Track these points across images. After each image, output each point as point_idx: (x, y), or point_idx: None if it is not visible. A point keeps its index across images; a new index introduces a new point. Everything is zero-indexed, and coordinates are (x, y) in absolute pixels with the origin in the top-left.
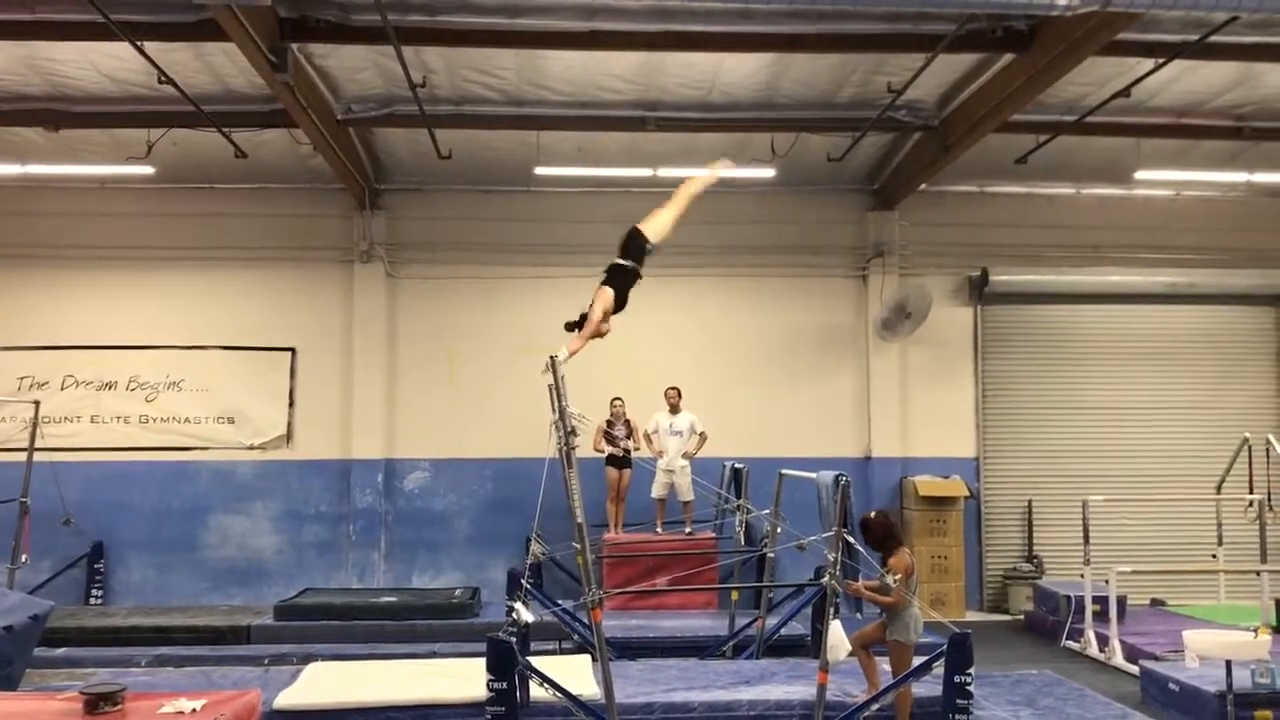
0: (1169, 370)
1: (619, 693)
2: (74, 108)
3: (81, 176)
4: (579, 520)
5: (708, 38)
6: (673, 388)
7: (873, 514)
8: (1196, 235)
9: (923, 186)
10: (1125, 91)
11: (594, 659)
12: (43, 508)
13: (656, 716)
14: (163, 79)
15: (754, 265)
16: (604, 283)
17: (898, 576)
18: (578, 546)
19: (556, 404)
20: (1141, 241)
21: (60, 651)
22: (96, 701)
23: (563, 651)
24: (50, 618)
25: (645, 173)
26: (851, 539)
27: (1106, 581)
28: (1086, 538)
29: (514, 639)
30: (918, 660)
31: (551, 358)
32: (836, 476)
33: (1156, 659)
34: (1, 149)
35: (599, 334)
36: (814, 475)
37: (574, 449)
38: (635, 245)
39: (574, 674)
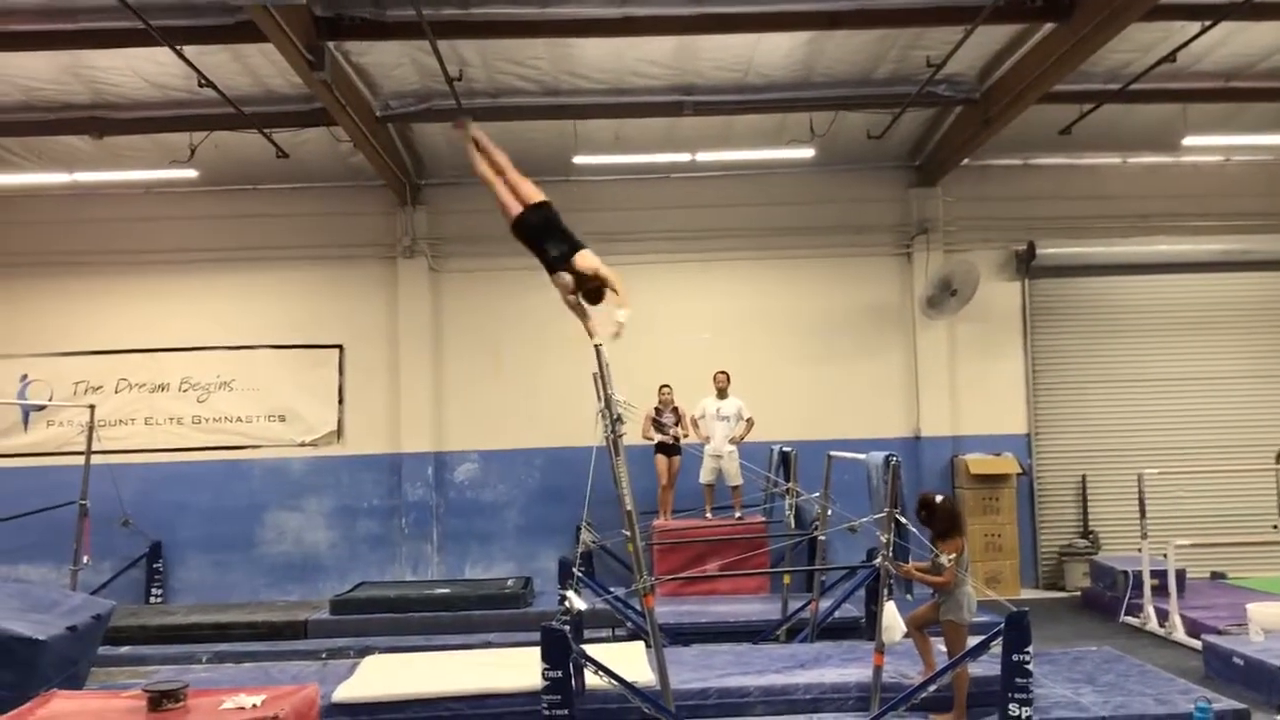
0: (1223, 339)
1: (673, 678)
2: (117, 114)
3: (127, 182)
4: (628, 508)
5: (743, 19)
6: (721, 372)
7: (939, 497)
8: (1248, 201)
9: (965, 161)
10: (1171, 57)
11: (647, 645)
12: (102, 510)
13: (712, 701)
14: (203, 82)
15: (797, 247)
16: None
17: (950, 556)
18: (627, 534)
19: (602, 392)
20: (1191, 209)
21: (123, 650)
22: (160, 699)
23: (616, 639)
24: (113, 617)
25: (684, 158)
26: (903, 519)
27: (1165, 555)
28: (1143, 511)
29: (567, 627)
30: (974, 640)
31: (597, 345)
32: (886, 457)
33: (1219, 633)
34: (49, 158)
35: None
36: (863, 456)
37: (621, 437)
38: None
39: (628, 661)
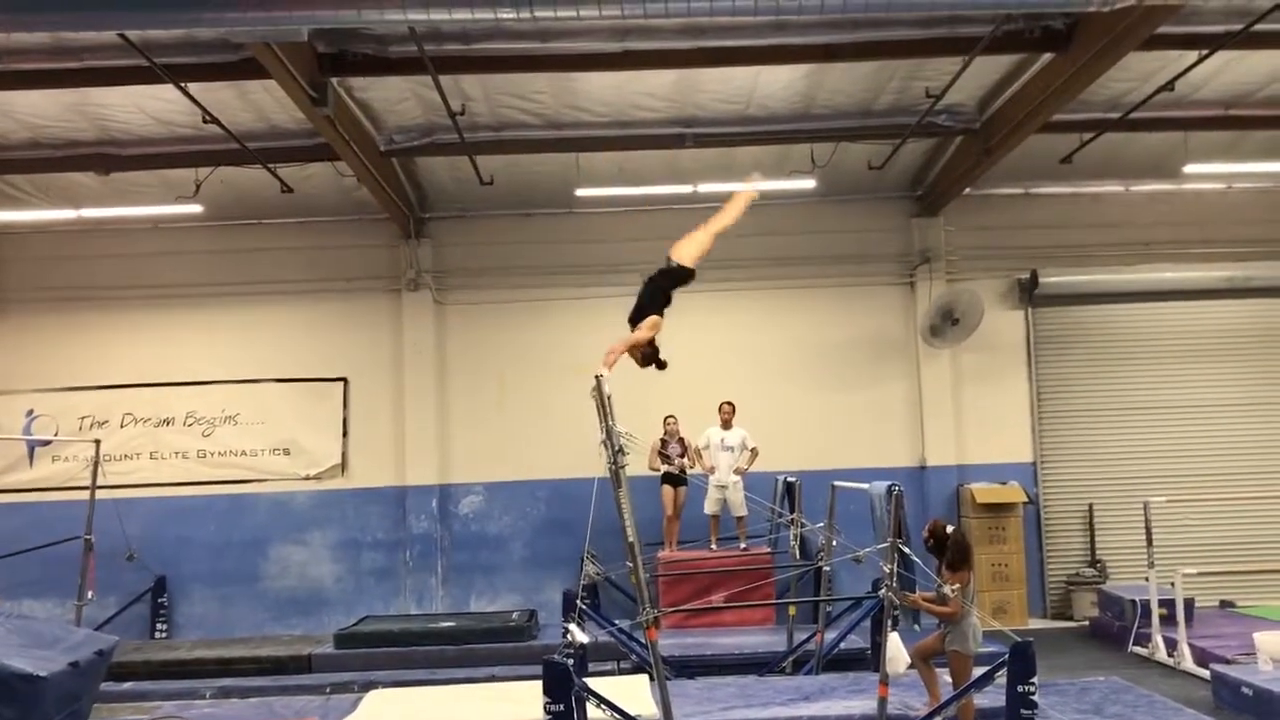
0: (1229, 366)
1: (677, 712)
2: (123, 151)
3: (133, 218)
4: (630, 539)
5: (742, 52)
6: (727, 402)
7: (950, 528)
8: (1251, 228)
9: (967, 190)
10: (1169, 85)
11: (651, 679)
12: (106, 544)
13: None
14: (208, 118)
15: (799, 277)
16: (649, 310)
17: (955, 587)
18: (631, 566)
19: (603, 423)
20: (1194, 237)
21: (126, 686)
22: None
23: (621, 672)
24: (116, 652)
25: (686, 189)
26: (907, 550)
27: (1172, 584)
28: (1150, 540)
29: (570, 660)
30: (979, 671)
31: (598, 377)
32: (889, 487)
33: (1228, 662)
34: (55, 194)
35: (641, 350)
36: (866, 486)
37: (624, 468)
38: (674, 277)
39: (631, 694)
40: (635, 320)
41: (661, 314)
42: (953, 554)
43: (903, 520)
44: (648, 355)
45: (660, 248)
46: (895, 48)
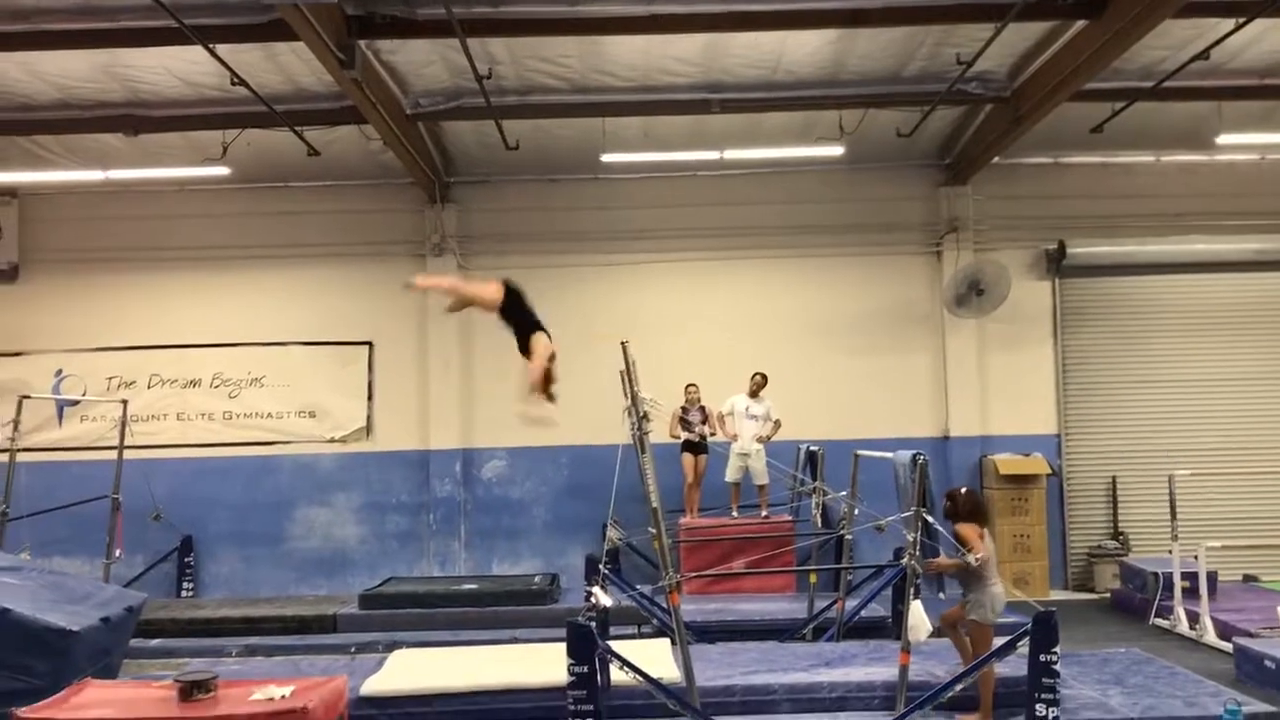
0: (1257, 339)
1: (699, 675)
2: (151, 112)
3: (160, 180)
4: (654, 505)
5: (770, 16)
6: (759, 373)
7: (963, 489)
8: None
9: (995, 159)
10: (1205, 54)
11: (673, 642)
12: (134, 504)
13: (737, 699)
14: (235, 80)
15: (825, 245)
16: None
17: (979, 556)
18: (654, 531)
19: (628, 390)
20: (1226, 208)
21: (155, 642)
22: (190, 689)
23: (642, 636)
24: (144, 610)
25: (712, 155)
26: (930, 518)
27: (1195, 557)
28: (1174, 513)
29: (593, 623)
30: (1000, 640)
31: (624, 343)
32: (914, 455)
33: (1251, 636)
34: (84, 155)
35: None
36: (890, 455)
37: (647, 434)
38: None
39: (653, 657)
40: (525, 349)
41: (545, 333)
42: (964, 506)
43: (927, 489)
44: (545, 380)
45: (686, 214)
46: (926, 13)
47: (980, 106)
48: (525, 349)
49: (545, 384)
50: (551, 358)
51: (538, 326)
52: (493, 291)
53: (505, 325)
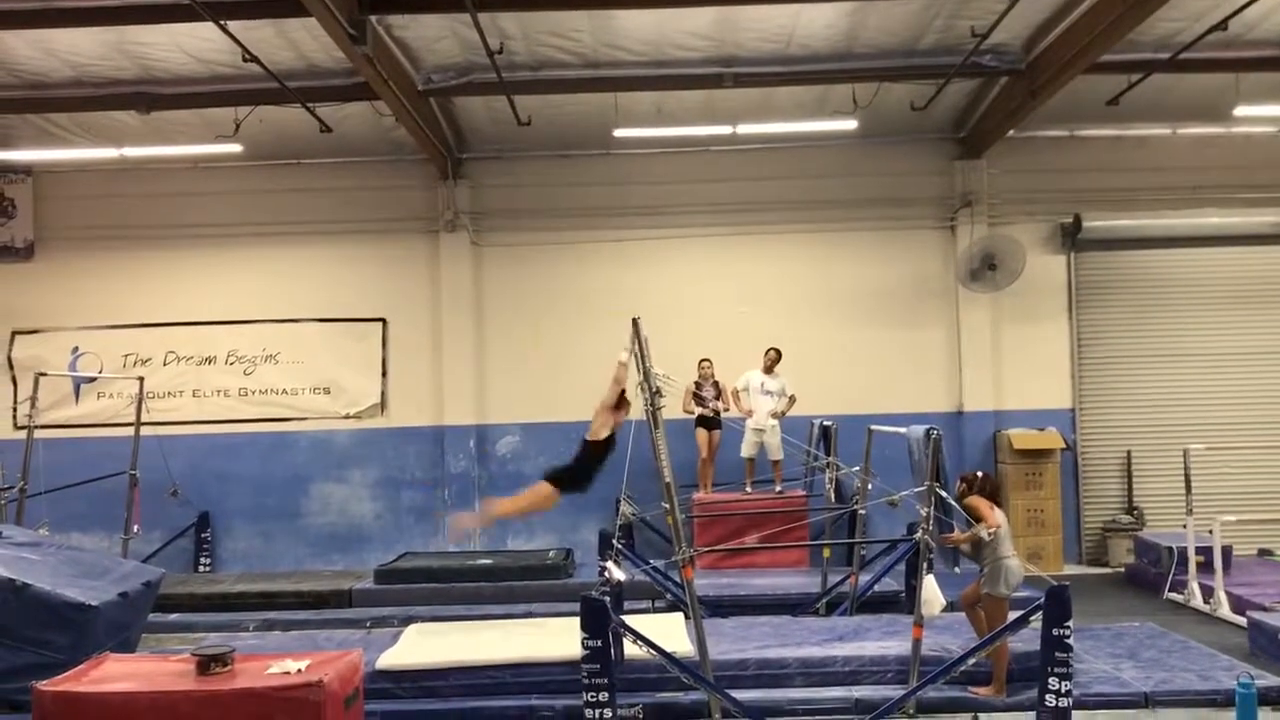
0: (1274, 313)
1: (712, 649)
2: (164, 89)
3: (173, 157)
4: (668, 480)
5: None
6: (773, 349)
7: (978, 474)
8: None
9: (1010, 133)
10: (1222, 25)
11: (687, 617)
12: (151, 480)
13: (750, 673)
14: (247, 57)
15: (839, 219)
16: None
17: (992, 530)
18: (667, 507)
19: (641, 366)
20: (1243, 181)
21: (173, 617)
22: (208, 663)
23: (655, 610)
24: (162, 585)
25: (725, 130)
26: (944, 493)
27: (1210, 532)
28: (1189, 487)
29: (607, 598)
30: (1014, 615)
31: (635, 319)
32: (927, 430)
33: (1265, 610)
34: (97, 133)
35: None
36: (904, 430)
37: (660, 410)
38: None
39: (667, 631)
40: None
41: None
42: (978, 487)
43: (941, 464)
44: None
45: (698, 190)
46: None
47: (995, 79)
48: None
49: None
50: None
51: (585, 451)
52: (547, 494)
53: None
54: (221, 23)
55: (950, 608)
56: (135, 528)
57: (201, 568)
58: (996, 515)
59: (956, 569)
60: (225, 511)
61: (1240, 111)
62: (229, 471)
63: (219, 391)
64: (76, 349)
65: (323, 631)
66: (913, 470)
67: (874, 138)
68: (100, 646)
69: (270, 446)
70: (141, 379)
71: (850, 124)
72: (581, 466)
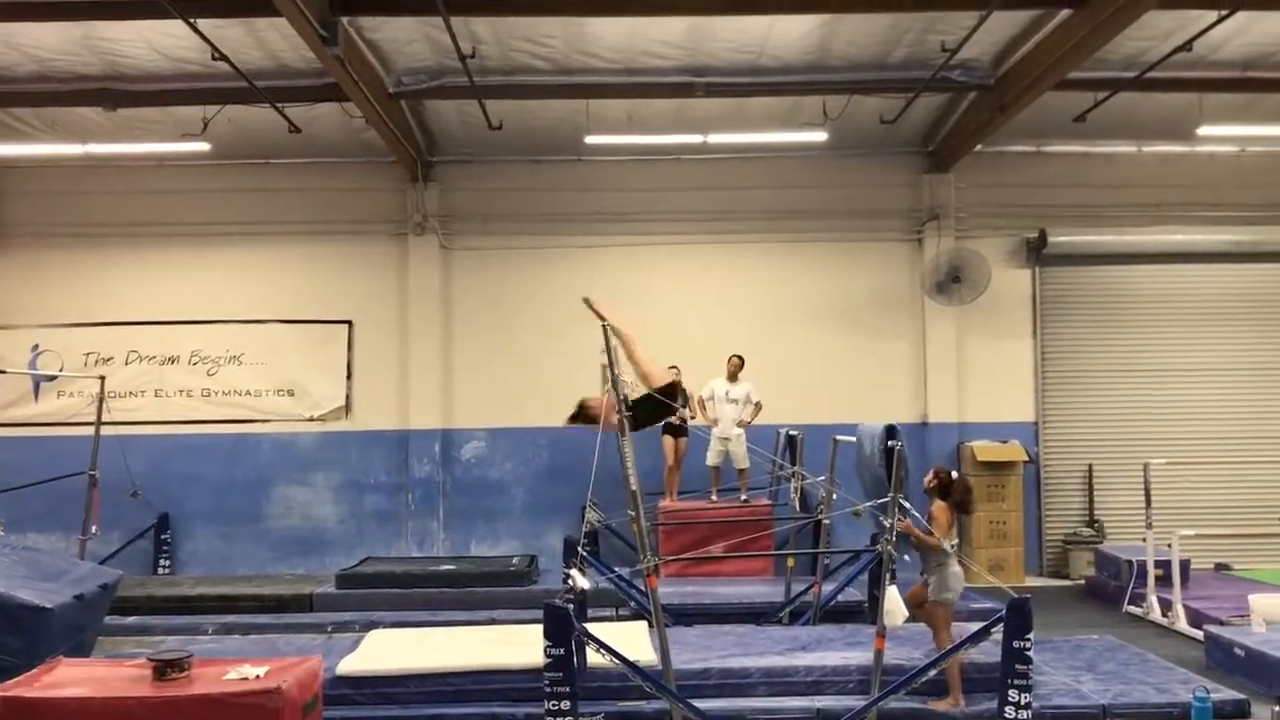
0: (1234, 330)
1: (675, 658)
2: (131, 86)
3: (140, 155)
4: (634, 488)
5: (756, 0)
6: (736, 355)
7: (953, 473)
8: (1262, 192)
9: (978, 147)
10: (1187, 45)
11: (650, 625)
12: (111, 480)
13: (713, 682)
14: (216, 55)
15: (807, 230)
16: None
17: (954, 544)
18: (633, 514)
19: (609, 373)
20: (1205, 199)
21: (130, 620)
22: (165, 668)
23: (620, 618)
24: (120, 587)
25: (696, 139)
26: (908, 504)
27: (1169, 546)
28: (1149, 501)
29: (571, 605)
30: (974, 626)
31: (604, 327)
32: (886, 427)
33: (1221, 624)
34: (62, 129)
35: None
36: (852, 439)
37: (628, 417)
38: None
39: (630, 640)
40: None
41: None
42: (963, 497)
43: (903, 469)
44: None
45: (669, 197)
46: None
47: (964, 94)
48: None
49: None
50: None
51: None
52: (661, 375)
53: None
54: (191, 20)
55: (912, 618)
56: (94, 528)
57: (161, 570)
58: (952, 533)
59: (906, 556)
60: (186, 513)
61: (1204, 131)
62: (190, 473)
63: (181, 392)
64: (37, 346)
65: (283, 636)
66: (859, 467)
67: (844, 150)
68: (55, 650)
69: (232, 448)
70: (103, 378)
71: (820, 136)
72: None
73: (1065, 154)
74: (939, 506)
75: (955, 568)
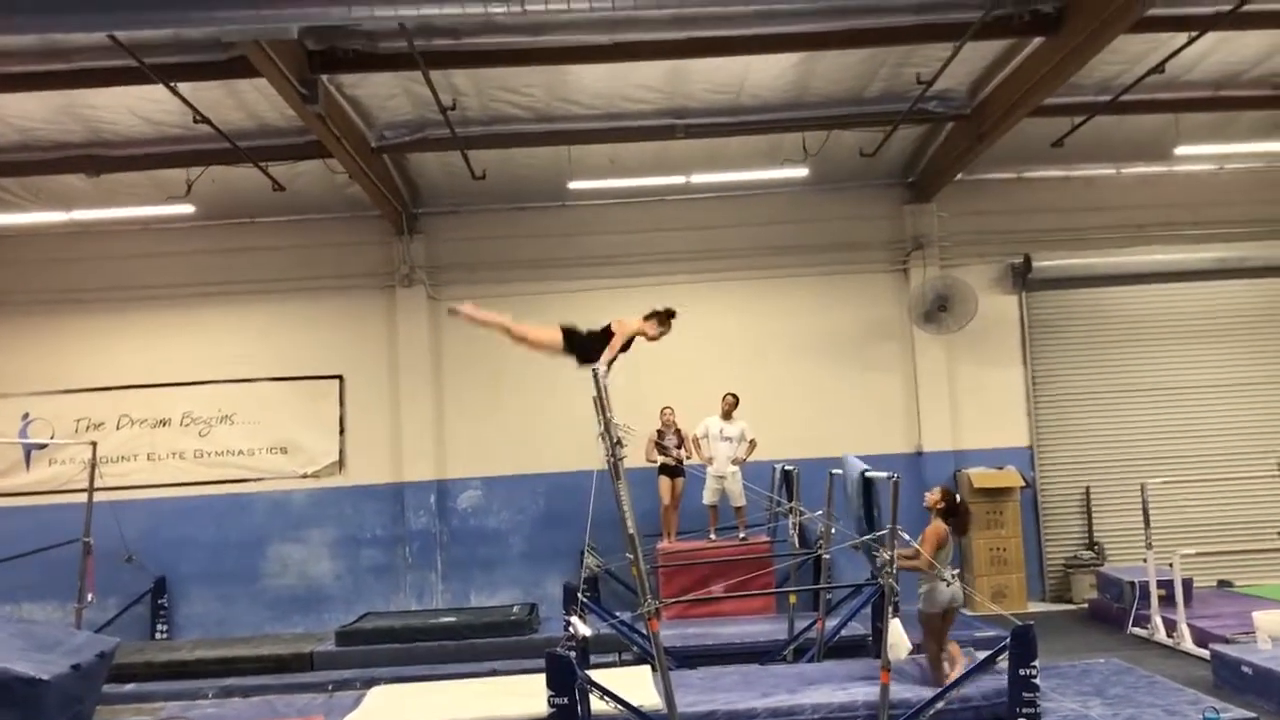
0: (1223, 347)
1: (680, 701)
2: (113, 152)
3: (124, 219)
4: (630, 531)
5: (732, 42)
6: (730, 394)
7: (958, 497)
8: (1243, 208)
9: (959, 176)
10: (1160, 68)
11: (654, 669)
12: (105, 546)
13: None
14: (198, 118)
15: (793, 265)
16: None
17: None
18: (631, 558)
19: (601, 416)
20: (1186, 218)
21: (129, 687)
22: None
23: (623, 663)
24: (117, 654)
25: (678, 180)
26: (906, 535)
27: (1170, 565)
28: (1147, 521)
29: (573, 653)
30: (979, 654)
31: (594, 371)
32: (891, 476)
33: (1227, 642)
34: (47, 197)
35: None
36: (837, 471)
37: (622, 460)
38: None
39: (634, 685)
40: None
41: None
42: (961, 513)
43: (874, 503)
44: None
45: (653, 239)
46: (885, 34)
47: (942, 125)
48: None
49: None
50: (626, 345)
51: (602, 338)
52: (550, 337)
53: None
54: (172, 85)
55: (917, 650)
56: (89, 596)
57: (158, 635)
58: (945, 554)
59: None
60: (182, 576)
61: (1181, 151)
62: (185, 535)
63: (174, 454)
64: (27, 415)
65: (284, 697)
66: (847, 502)
67: (825, 184)
68: None
69: (227, 508)
70: (94, 444)
71: (801, 171)
72: (595, 343)
73: (1046, 179)
74: (932, 527)
75: (942, 586)
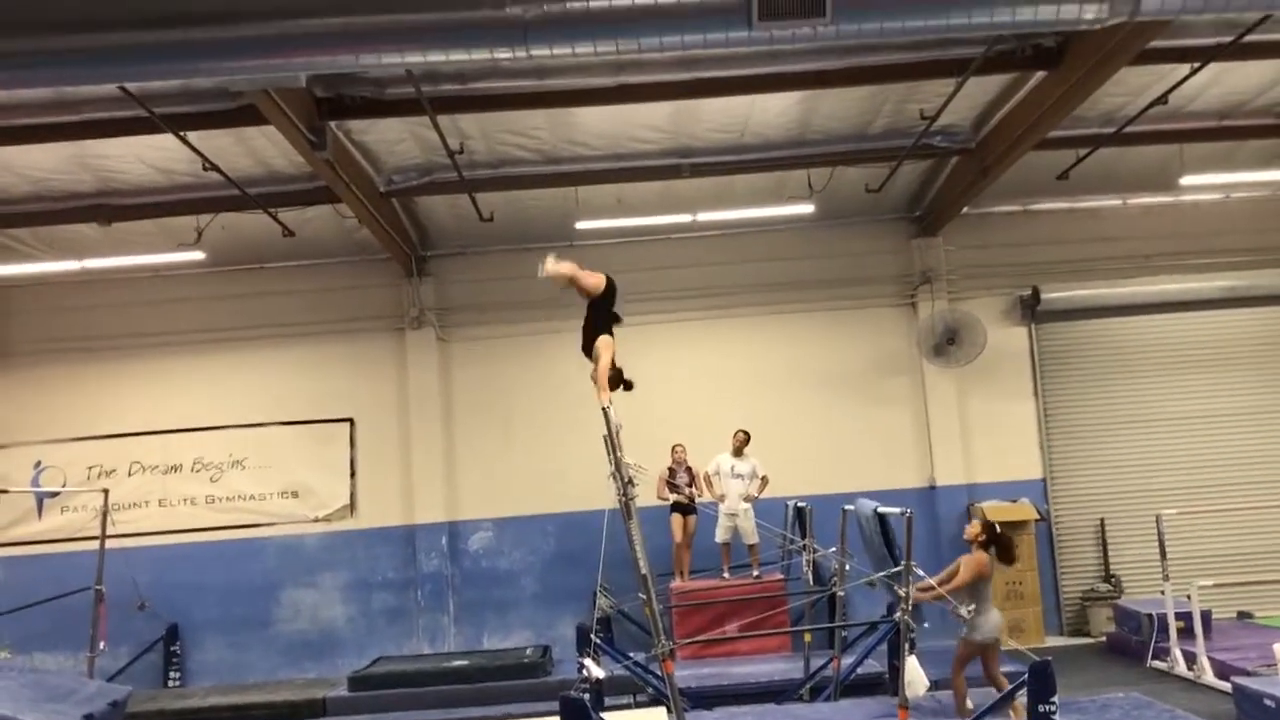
0: (1235, 375)
1: None
2: (124, 201)
3: (135, 267)
4: (643, 571)
5: (736, 82)
6: (741, 431)
7: (997, 526)
8: (1250, 237)
9: (965, 210)
10: (1163, 99)
11: (669, 711)
12: (117, 594)
13: None
14: (207, 166)
15: (801, 301)
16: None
17: (970, 608)
18: (644, 598)
19: (612, 456)
20: (1193, 248)
21: None
22: None
23: (638, 705)
24: (130, 702)
25: (685, 218)
26: (921, 571)
27: (1188, 597)
28: (1163, 553)
29: (587, 696)
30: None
31: (604, 410)
32: (903, 511)
33: (1248, 674)
34: (58, 246)
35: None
36: (850, 507)
37: (633, 499)
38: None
39: None
40: (589, 348)
41: (610, 333)
42: (1007, 549)
43: (892, 540)
44: (613, 379)
45: (661, 277)
46: (888, 72)
47: (947, 159)
48: (589, 348)
49: (613, 381)
50: (612, 361)
51: (607, 329)
52: (596, 281)
53: (592, 313)
54: (181, 134)
55: (934, 686)
56: (101, 644)
57: (171, 682)
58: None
59: (926, 624)
60: (194, 623)
61: (1186, 180)
62: (197, 581)
63: (185, 500)
64: (39, 463)
65: None
66: (865, 545)
67: (832, 220)
68: None
69: (239, 553)
70: (106, 491)
71: (807, 208)
72: (601, 320)
73: (1052, 211)
74: (974, 557)
75: (995, 614)
